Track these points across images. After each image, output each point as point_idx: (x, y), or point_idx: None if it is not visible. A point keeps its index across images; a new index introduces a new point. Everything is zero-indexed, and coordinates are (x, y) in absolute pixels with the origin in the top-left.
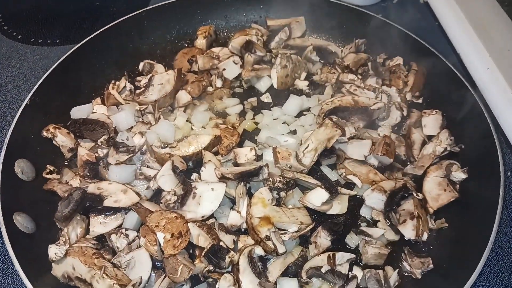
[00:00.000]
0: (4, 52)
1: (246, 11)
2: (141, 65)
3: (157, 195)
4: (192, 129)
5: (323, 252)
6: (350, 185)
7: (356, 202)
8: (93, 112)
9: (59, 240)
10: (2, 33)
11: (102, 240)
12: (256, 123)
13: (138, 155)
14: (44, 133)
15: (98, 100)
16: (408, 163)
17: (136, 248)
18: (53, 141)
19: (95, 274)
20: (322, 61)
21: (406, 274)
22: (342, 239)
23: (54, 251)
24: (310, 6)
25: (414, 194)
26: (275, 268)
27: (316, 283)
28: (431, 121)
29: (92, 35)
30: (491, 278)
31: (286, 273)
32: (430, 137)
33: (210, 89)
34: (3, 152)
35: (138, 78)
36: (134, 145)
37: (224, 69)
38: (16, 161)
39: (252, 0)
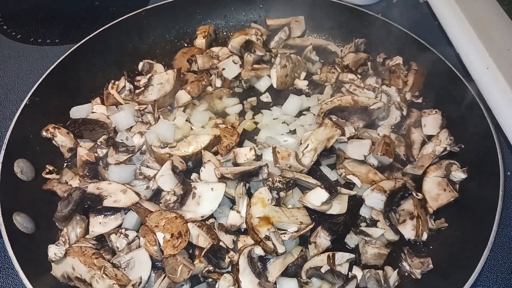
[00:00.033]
0: (4, 52)
1: (245, 10)
2: (140, 64)
3: (156, 195)
4: (191, 129)
5: (323, 252)
6: (349, 185)
7: (355, 202)
8: (92, 112)
9: (58, 240)
10: (2, 32)
11: (101, 240)
12: (256, 123)
13: (137, 155)
14: (44, 133)
15: (98, 100)
16: (408, 163)
17: (136, 248)
18: (53, 141)
19: (94, 274)
20: (322, 61)
21: (405, 274)
22: (341, 239)
23: (53, 251)
24: (310, 5)
25: (414, 194)
26: (274, 268)
27: (316, 283)
28: (431, 121)
29: (91, 35)
30: (491, 278)
31: (285, 273)
32: (429, 137)
33: (209, 88)
34: (3, 152)
35: (138, 77)
36: (134, 145)
37: (223, 69)
38: (16, 161)
39: None
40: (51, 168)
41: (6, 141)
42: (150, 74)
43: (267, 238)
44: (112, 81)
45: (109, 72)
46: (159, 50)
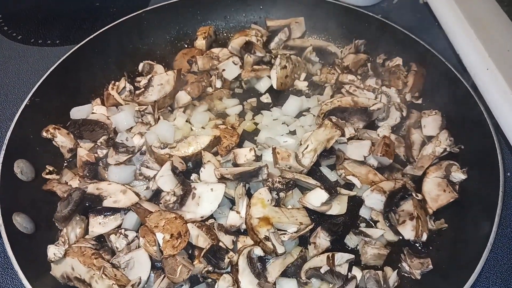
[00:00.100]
0: (4, 53)
1: (245, 11)
2: (140, 65)
3: (156, 196)
4: (191, 129)
5: (323, 252)
6: (349, 185)
7: (355, 203)
8: (92, 113)
9: (58, 240)
10: (2, 33)
11: (101, 240)
12: (256, 124)
13: (137, 155)
14: (44, 134)
15: (98, 100)
16: (408, 163)
17: (135, 248)
18: (53, 142)
19: (94, 274)
20: (322, 62)
21: (405, 274)
22: (341, 240)
23: (53, 251)
24: (310, 6)
25: (414, 194)
26: (274, 268)
27: (316, 284)
28: (431, 122)
29: (92, 36)
30: (490, 278)
31: (285, 273)
32: (429, 138)
33: (209, 89)
34: (3, 152)
35: (138, 78)
36: (134, 145)
37: (223, 70)
38: (16, 161)
39: (251, 0)
40: (51, 168)
41: (6, 141)
42: (150, 75)
43: (267, 238)
44: (112, 82)
45: (109, 73)
46: (159, 51)
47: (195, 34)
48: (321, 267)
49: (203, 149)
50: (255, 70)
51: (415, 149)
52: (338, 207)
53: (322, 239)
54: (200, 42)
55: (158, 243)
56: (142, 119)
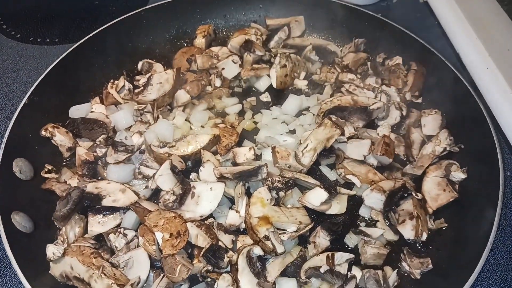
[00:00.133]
0: (3, 51)
1: (245, 10)
2: (140, 64)
3: (155, 195)
4: (191, 128)
5: (322, 252)
6: (349, 185)
7: (355, 202)
8: (91, 111)
9: (57, 239)
10: (1, 32)
11: (100, 239)
12: (255, 123)
13: (136, 154)
14: (43, 132)
15: (97, 99)
16: (408, 163)
17: (135, 247)
18: (52, 140)
19: (93, 273)
20: (322, 61)
21: (405, 274)
22: (341, 239)
23: (52, 250)
24: (310, 5)
25: (414, 194)
26: (273, 268)
27: (315, 283)
28: (431, 121)
29: (91, 34)
30: (490, 278)
31: (285, 273)
32: (429, 137)
33: (209, 88)
34: (1, 151)
35: (137, 77)
36: (133, 144)
37: (223, 69)
38: (14, 160)
39: None
40: (50, 167)
41: (5, 140)
42: (149, 74)
43: (266, 238)
44: (112, 81)
45: (109, 72)
46: (158, 50)
47: (195, 32)
48: (320, 267)
49: (202, 148)
50: (255, 69)
51: (415, 148)
52: (338, 207)
53: (322, 238)
54: (200, 41)
55: (157, 242)
56: (141, 118)
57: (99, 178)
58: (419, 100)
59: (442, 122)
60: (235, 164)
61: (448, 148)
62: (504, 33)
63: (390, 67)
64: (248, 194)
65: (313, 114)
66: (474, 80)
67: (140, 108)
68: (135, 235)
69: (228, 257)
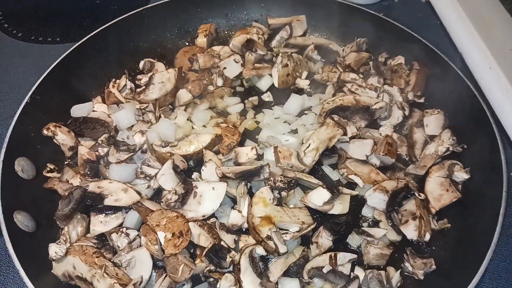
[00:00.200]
0: (5, 50)
1: (247, 9)
2: (141, 63)
3: (157, 194)
4: (193, 128)
5: (325, 252)
6: (351, 185)
7: (357, 202)
8: (93, 111)
9: (59, 239)
10: (3, 31)
11: (102, 239)
12: (257, 122)
13: (138, 154)
14: (45, 132)
15: (99, 98)
16: (410, 163)
17: (137, 247)
18: (54, 140)
19: (95, 273)
20: (323, 60)
21: (408, 274)
22: (343, 239)
23: (54, 250)
24: (312, 4)
25: (416, 194)
26: (276, 268)
27: (318, 283)
28: (433, 121)
29: (92, 33)
30: (494, 279)
31: (287, 273)
32: (432, 137)
33: (210, 88)
34: (4, 150)
35: (139, 76)
36: (135, 143)
37: (225, 68)
38: (17, 159)
39: None
40: (52, 166)
41: (7, 139)
42: (151, 73)
43: (269, 237)
44: (113, 80)
45: (110, 71)
46: (160, 49)
47: (196, 32)
48: (323, 267)
49: (204, 148)
50: (257, 68)
51: (418, 148)
52: (340, 207)
53: (324, 238)
54: (201, 40)
55: (160, 242)
56: (143, 117)
57: (101, 177)
58: (422, 100)
59: (444, 122)
60: (237, 163)
61: (451, 148)
62: (506, 33)
63: (392, 66)
64: (250, 194)
65: (315, 114)
66: (477, 80)
67: (142, 108)
68: (137, 235)
69: (230, 257)
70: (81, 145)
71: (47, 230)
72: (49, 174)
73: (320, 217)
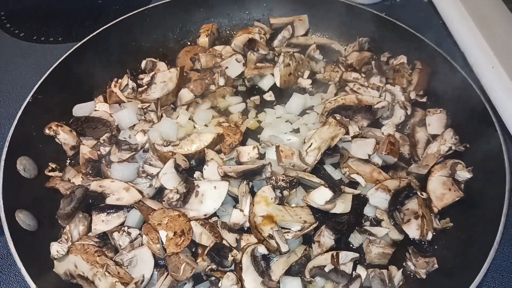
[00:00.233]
0: (6, 50)
1: (249, 9)
2: (143, 63)
3: (159, 193)
4: (194, 127)
5: (327, 251)
6: (353, 184)
7: (360, 201)
8: (95, 110)
9: (61, 237)
10: (4, 30)
11: (104, 238)
12: (259, 122)
13: (140, 153)
14: (47, 131)
15: (101, 98)
16: (412, 162)
17: (139, 246)
18: (56, 139)
19: (97, 272)
20: (326, 60)
21: (410, 274)
22: (345, 238)
23: (56, 248)
24: (313, 4)
25: (419, 193)
26: (278, 267)
27: (320, 282)
28: (436, 120)
29: (94, 33)
30: (496, 278)
31: (289, 272)
32: (434, 136)
33: (212, 87)
34: (6, 149)
35: (141, 76)
36: (137, 143)
37: (226, 67)
38: (18, 158)
39: None
40: (53, 165)
41: (9, 138)
42: (153, 73)
43: (271, 236)
44: (115, 79)
45: (112, 70)
46: (162, 49)
47: (198, 31)
48: (325, 266)
49: (206, 147)
50: (258, 67)
51: (420, 148)
52: (342, 206)
53: (326, 237)
54: (203, 40)
55: (162, 241)
56: (145, 117)
57: (103, 176)
58: (424, 99)
59: (447, 121)
60: (239, 163)
61: (453, 147)
62: (509, 32)
63: (395, 66)
64: (252, 193)
65: (317, 113)
66: (479, 79)
67: (143, 107)
68: (139, 234)
69: (232, 256)
70: (83, 144)
71: (49, 229)
72: (51, 173)
73: (322, 216)
